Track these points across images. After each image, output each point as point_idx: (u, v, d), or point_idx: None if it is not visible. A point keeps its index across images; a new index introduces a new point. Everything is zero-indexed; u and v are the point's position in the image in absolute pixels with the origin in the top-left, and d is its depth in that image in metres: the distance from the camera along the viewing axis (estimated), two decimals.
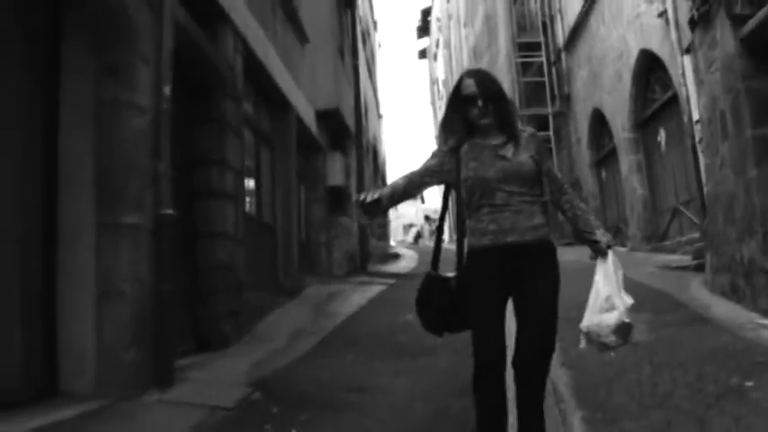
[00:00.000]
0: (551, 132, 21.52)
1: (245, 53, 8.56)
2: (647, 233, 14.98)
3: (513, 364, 3.26)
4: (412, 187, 3.54)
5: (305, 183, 14.03)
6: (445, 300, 3.46)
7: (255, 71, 9.26)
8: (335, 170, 15.65)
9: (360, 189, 17.22)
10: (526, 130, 3.52)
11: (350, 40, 18.44)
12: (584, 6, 17.76)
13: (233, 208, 7.71)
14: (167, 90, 5.69)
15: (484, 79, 3.45)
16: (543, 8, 22.65)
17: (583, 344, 3.41)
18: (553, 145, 21.37)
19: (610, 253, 3.38)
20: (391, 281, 14.18)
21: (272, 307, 9.23)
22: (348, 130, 16.80)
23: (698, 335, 6.21)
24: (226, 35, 7.81)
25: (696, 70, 8.58)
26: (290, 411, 4.77)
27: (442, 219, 3.86)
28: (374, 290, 12.37)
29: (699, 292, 8.30)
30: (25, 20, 4.90)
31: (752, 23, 6.83)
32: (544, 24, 22.50)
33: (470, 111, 3.38)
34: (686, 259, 10.76)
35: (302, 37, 13.05)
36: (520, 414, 3.30)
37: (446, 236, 3.76)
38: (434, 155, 3.54)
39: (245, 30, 8.51)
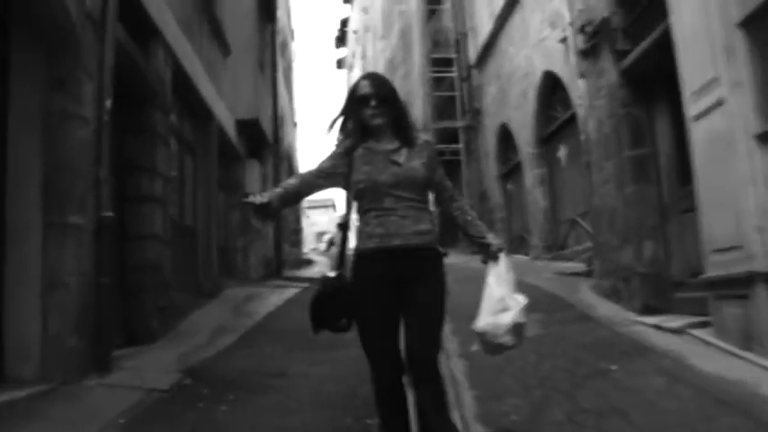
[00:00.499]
0: (461, 145, 22.33)
1: (174, 67, 8.96)
2: (548, 242, 15.46)
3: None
4: (305, 187, 3.53)
5: (224, 189, 14.28)
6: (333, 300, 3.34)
7: (182, 83, 9.64)
8: (253, 178, 16.05)
9: None
10: (420, 138, 3.54)
11: (270, 53, 18.87)
12: (494, 26, 18.15)
13: (161, 212, 8.15)
14: (108, 103, 6.18)
15: (378, 81, 3.50)
16: (457, 26, 23.22)
17: (477, 346, 3.48)
18: (463, 157, 22.16)
19: (501, 255, 3.43)
20: (305, 284, 14.69)
21: (193, 307, 9.60)
22: (266, 140, 17.23)
23: (581, 330, 7.05)
24: (157, 50, 8.21)
25: (588, 96, 9.41)
26: (218, 393, 5.35)
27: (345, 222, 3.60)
28: (290, 292, 12.85)
29: (587, 295, 9.11)
30: None
31: (631, 58, 7.73)
32: (457, 41, 23.13)
33: (364, 111, 3.37)
34: (580, 266, 11.41)
35: (225, 49, 13.45)
36: (420, 413, 3.27)
37: None
38: (330, 157, 3.49)
39: (175, 45, 8.93)
